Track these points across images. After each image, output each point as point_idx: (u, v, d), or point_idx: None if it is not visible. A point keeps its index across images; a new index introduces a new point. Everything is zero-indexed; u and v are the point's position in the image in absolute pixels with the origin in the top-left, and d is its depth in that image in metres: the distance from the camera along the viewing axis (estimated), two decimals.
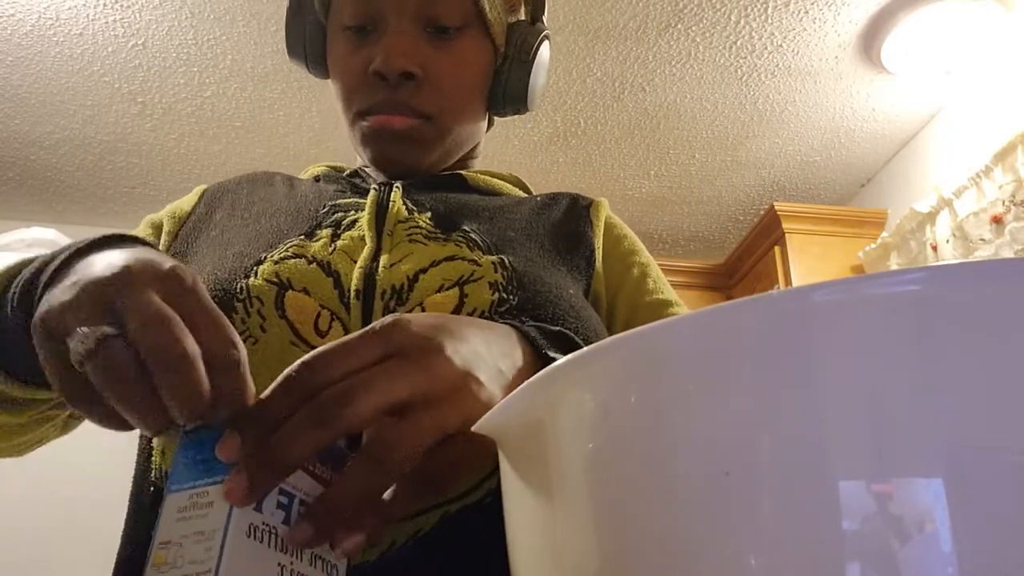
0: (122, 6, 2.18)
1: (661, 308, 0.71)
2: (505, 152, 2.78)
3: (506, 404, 0.34)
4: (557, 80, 2.46)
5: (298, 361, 0.37)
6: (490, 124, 0.87)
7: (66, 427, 0.66)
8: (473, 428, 0.38)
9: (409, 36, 0.70)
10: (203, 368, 0.35)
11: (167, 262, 0.38)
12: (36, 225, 2.60)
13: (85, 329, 0.34)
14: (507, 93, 0.77)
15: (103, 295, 0.36)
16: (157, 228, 0.73)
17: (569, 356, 0.31)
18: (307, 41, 0.78)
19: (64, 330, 0.36)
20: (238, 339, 0.37)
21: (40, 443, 0.65)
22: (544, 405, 0.32)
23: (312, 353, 0.38)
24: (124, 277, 0.36)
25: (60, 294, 0.37)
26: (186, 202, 0.75)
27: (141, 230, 0.73)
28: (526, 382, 0.33)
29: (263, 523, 0.36)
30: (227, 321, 0.37)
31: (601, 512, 0.29)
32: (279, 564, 0.35)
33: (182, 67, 2.39)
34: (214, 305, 0.38)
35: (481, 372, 0.40)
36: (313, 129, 2.65)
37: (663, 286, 0.73)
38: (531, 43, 0.76)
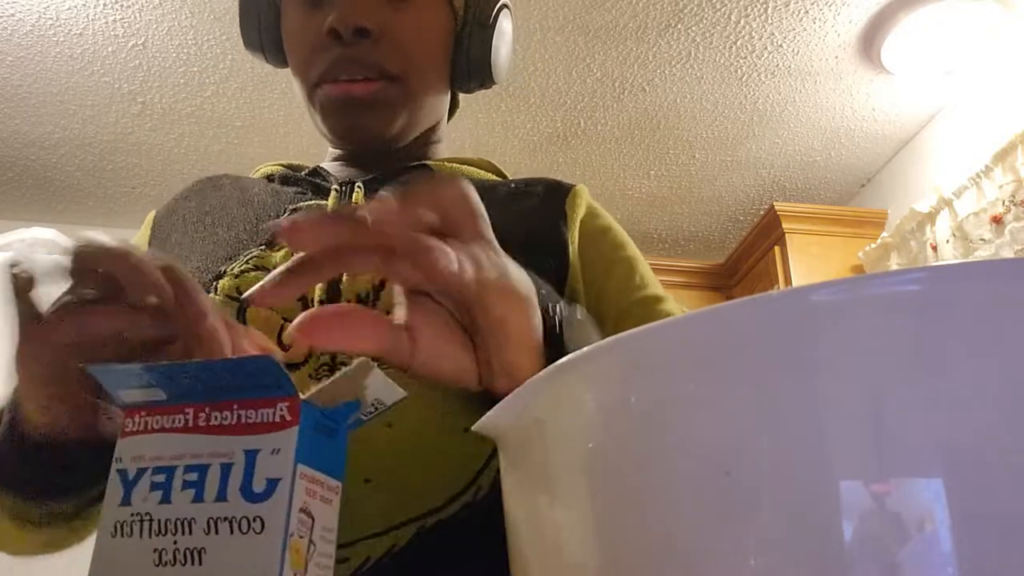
0: (122, 6, 2.18)
1: (651, 304, 0.68)
2: (505, 152, 2.78)
3: (506, 404, 0.34)
4: (557, 80, 2.46)
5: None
6: (455, 107, 0.84)
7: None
8: (473, 428, 0.38)
9: None
10: None
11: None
12: (36, 225, 2.60)
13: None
14: (470, 62, 0.74)
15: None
16: None
17: (569, 356, 0.31)
18: (262, 26, 0.75)
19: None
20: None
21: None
22: (544, 405, 0.32)
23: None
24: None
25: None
26: (140, 238, 0.73)
27: None
28: (526, 382, 0.33)
29: (132, 514, 0.34)
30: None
31: (601, 512, 0.29)
32: (155, 550, 0.33)
33: (182, 67, 2.39)
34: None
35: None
36: (313, 129, 2.65)
37: (651, 280, 0.71)
38: (489, 8, 0.75)
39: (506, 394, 0.41)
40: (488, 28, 0.74)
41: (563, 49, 2.34)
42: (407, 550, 0.51)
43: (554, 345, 0.43)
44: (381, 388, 0.36)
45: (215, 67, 2.39)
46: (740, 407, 0.26)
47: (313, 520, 0.34)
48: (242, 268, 0.61)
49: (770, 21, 2.24)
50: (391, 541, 0.51)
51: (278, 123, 2.63)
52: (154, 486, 0.34)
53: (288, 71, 0.77)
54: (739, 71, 2.43)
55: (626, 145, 2.78)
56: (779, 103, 2.56)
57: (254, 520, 0.33)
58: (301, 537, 0.33)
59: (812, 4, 2.18)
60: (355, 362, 0.35)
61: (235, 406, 0.35)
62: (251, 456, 0.34)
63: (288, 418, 0.34)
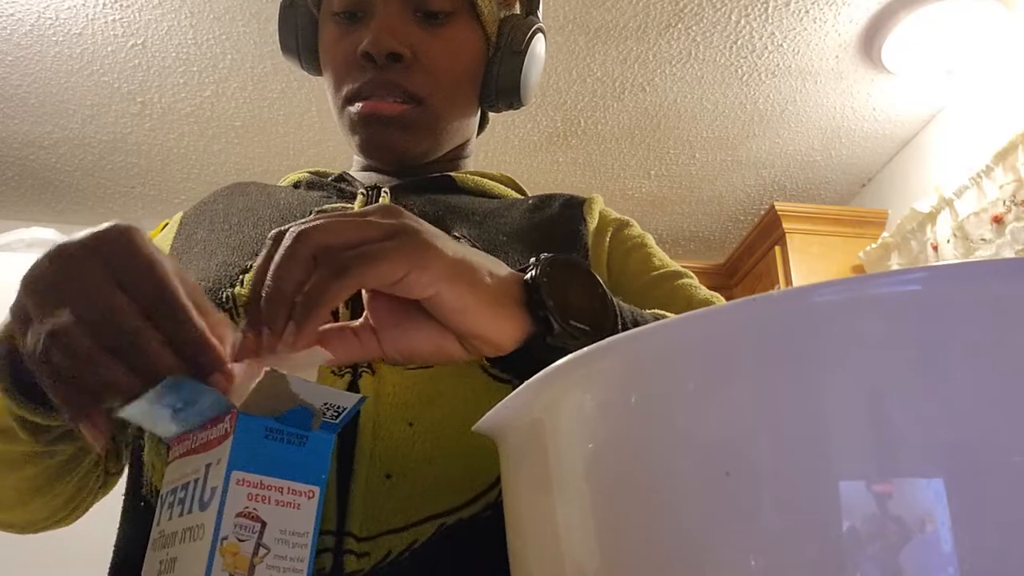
0: (122, 6, 2.17)
1: (671, 279, 0.69)
2: (505, 152, 2.78)
3: (506, 404, 0.34)
4: (557, 80, 2.46)
5: (305, 225, 0.39)
6: (484, 122, 0.86)
7: (106, 485, 0.67)
8: (473, 428, 0.38)
9: (398, 19, 0.70)
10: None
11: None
12: (36, 225, 2.60)
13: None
14: (499, 85, 0.76)
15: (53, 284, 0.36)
16: None
17: (569, 356, 0.31)
18: (299, 34, 0.78)
19: (22, 329, 0.37)
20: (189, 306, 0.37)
21: (80, 507, 0.66)
22: (544, 405, 0.32)
23: (326, 219, 0.40)
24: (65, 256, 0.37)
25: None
26: (167, 234, 0.74)
27: None
28: (526, 382, 0.33)
29: (159, 533, 0.38)
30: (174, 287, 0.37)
31: (601, 512, 0.29)
32: (160, 561, 0.37)
33: (182, 67, 2.39)
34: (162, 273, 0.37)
35: (473, 266, 0.43)
36: (313, 129, 2.65)
37: (670, 262, 0.73)
38: (523, 34, 0.75)
39: (501, 355, 0.44)
40: (520, 54, 0.75)
41: (563, 49, 2.34)
42: (428, 546, 0.52)
43: (535, 287, 0.44)
44: (320, 393, 0.37)
45: (215, 67, 2.39)
46: (740, 407, 0.26)
47: (264, 524, 0.35)
48: None
49: (770, 21, 2.24)
50: (412, 537, 0.52)
51: (278, 123, 2.63)
52: (169, 506, 0.38)
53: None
54: (739, 71, 2.43)
55: (626, 145, 2.78)
56: (779, 103, 2.56)
57: (199, 527, 0.35)
58: (242, 540, 0.35)
59: (812, 4, 2.18)
60: (264, 373, 0.36)
61: (208, 425, 0.38)
62: (207, 469, 0.36)
63: (229, 429, 0.36)
